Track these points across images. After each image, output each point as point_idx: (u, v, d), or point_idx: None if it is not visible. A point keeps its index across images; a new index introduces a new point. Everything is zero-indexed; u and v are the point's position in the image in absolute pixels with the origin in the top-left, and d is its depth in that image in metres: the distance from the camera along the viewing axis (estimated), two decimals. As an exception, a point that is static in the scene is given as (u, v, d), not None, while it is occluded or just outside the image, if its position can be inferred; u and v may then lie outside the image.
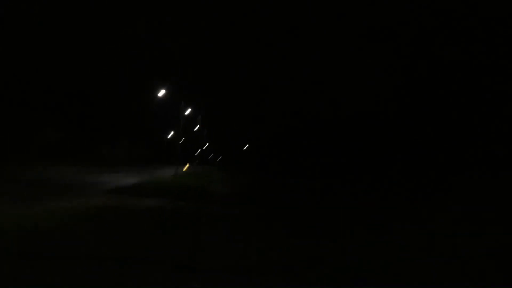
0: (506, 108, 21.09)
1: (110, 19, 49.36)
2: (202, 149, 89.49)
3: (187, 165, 60.02)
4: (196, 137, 69.62)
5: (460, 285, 5.30)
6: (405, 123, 29.26)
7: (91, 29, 43.17)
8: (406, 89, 27.24)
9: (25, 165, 27.35)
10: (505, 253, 7.26)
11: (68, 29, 39.15)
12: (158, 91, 26.46)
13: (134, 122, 56.14)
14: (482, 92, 22.16)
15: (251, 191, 19.58)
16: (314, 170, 40.16)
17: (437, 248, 7.73)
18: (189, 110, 35.35)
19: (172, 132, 52.79)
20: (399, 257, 6.81)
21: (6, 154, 29.83)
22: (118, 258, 5.55)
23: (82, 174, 23.55)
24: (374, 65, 29.36)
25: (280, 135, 50.41)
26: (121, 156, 50.89)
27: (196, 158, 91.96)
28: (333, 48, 35.95)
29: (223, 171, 56.54)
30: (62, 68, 38.93)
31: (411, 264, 6.36)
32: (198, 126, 57.81)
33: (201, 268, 5.45)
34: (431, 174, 24.42)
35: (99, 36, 44.33)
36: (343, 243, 7.81)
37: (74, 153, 39.91)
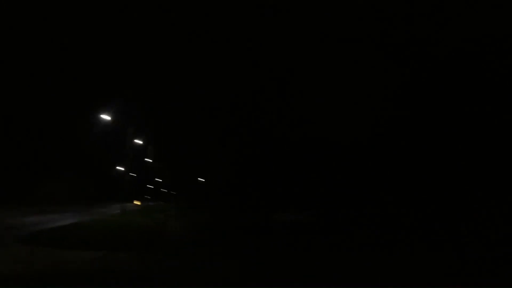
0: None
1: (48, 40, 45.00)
2: (155, 183, 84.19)
3: (138, 201, 55.35)
4: (148, 170, 64.86)
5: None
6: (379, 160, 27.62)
7: (26, 49, 38.76)
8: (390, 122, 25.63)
9: None
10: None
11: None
12: (102, 117, 22.84)
13: (77, 155, 50.70)
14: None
15: (210, 235, 16.55)
16: (274, 206, 37.50)
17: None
18: (139, 140, 31.74)
19: (120, 166, 48.33)
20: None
21: None
22: None
23: (3, 215, 19.24)
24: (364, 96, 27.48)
25: (239, 167, 47.43)
26: (62, 194, 45.52)
27: (149, 193, 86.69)
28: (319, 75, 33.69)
29: (178, 206, 52.71)
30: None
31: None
32: (150, 158, 53.61)
33: None
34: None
35: (33, 55, 39.75)
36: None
37: (4, 192, 34.38)
